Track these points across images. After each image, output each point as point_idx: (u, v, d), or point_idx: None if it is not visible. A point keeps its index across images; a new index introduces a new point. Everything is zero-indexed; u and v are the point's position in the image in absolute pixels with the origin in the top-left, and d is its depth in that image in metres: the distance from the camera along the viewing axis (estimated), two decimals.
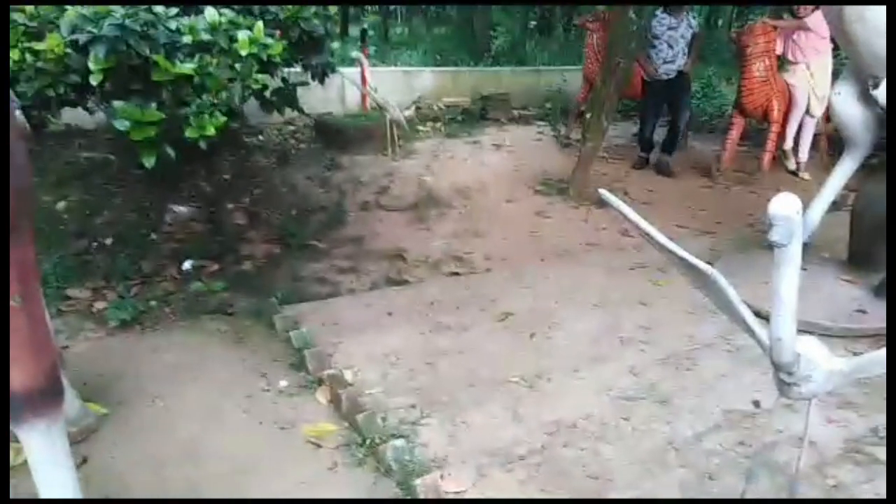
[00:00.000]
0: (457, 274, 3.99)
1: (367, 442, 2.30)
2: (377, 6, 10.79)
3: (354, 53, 6.80)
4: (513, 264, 4.12)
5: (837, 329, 3.09)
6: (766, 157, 6.19)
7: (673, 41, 5.90)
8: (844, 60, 4.53)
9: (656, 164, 6.11)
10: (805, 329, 2.23)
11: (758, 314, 1.75)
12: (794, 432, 2.25)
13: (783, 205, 1.43)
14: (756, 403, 2.55)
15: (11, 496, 1.86)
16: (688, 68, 6.01)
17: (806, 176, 6.05)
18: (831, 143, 6.02)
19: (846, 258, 3.80)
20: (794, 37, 5.93)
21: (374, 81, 6.51)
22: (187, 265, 3.70)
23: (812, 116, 6.08)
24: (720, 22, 13.71)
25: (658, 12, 5.88)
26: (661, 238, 1.72)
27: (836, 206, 4.00)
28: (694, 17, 6.08)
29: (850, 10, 3.10)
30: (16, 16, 2.86)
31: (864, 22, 3.05)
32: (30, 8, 2.93)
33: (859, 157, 3.75)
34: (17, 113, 1.99)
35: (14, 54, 2.83)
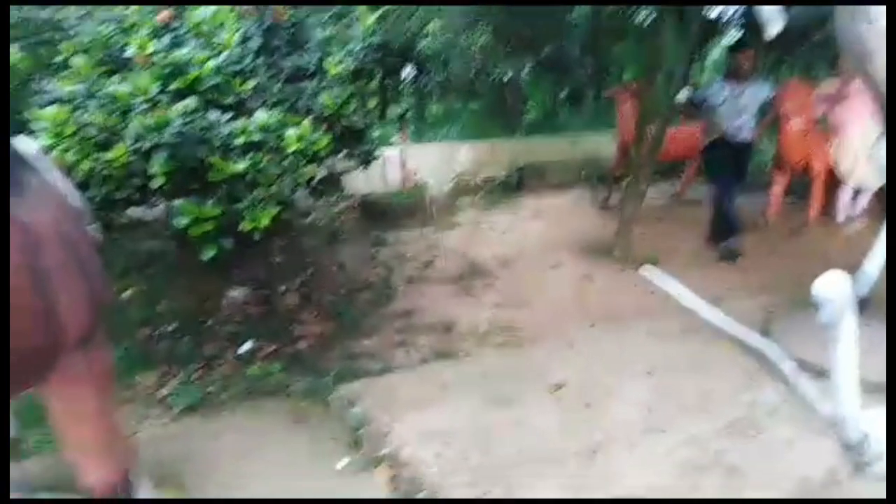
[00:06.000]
0: (506, 345, 4.00)
1: None
2: (412, 88, 11.23)
3: (394, 138, 7.08)
4: (562, 332, 4.10)
5: None
6: (813, 211, 6.09)
7: (736, 110, 5.17)
8: None
9: (721, 254, 5.35)
10: (875, 390, 2.15)
11: (822, 374, 1.70)
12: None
13: (829, 286, 1.38)
14: None
15: None
16: (753, 137, 5.35)
17: (855, 229, 5.90)
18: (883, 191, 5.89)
19: None
20: (842, 101, 5.73)
21: (414, 159, 6.75)
22: (244, 348, 3.83)
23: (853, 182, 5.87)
24: None
25: (716, 81, 5.51)
26: (711, 313, 1.71)
27: None
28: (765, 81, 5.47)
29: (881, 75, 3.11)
30: (89, 129, 3.11)
31: None
32: (99, 120, 3.17)
33: None
34: (90, 227, 2.12)
35: (85, 165, 3.07)
